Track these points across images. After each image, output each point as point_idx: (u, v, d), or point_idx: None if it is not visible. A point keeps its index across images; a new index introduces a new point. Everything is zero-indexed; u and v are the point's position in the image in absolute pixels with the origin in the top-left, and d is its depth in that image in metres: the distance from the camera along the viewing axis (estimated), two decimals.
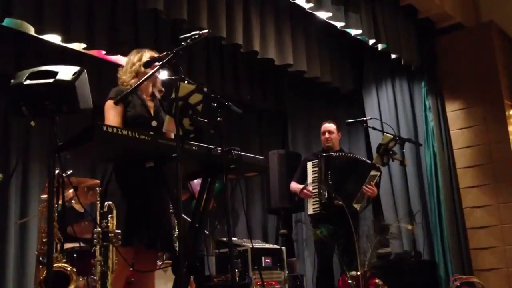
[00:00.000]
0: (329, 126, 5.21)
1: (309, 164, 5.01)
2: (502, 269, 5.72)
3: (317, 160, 4.96)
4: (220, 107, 3.01)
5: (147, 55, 3.38)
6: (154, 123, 3.29)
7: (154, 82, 3.41)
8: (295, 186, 5.14)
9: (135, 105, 3.26)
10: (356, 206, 4.75)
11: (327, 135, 5.17)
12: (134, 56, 3.40)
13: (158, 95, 3.45)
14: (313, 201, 4.86)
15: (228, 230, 3.08)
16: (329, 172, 4.88)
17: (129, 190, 3.10)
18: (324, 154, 5.02)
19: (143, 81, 3.04)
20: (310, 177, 4.96)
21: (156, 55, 3.41)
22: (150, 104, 3.37)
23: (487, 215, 5.90)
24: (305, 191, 4.92)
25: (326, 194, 4.76)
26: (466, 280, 5.25)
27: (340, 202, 4.62)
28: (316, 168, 4.94)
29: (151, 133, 2.90)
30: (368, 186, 4.82)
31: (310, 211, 4.88)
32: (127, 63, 3.41)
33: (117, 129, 2.66)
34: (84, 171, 5.32)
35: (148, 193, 3.12)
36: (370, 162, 5.00)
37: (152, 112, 3.34)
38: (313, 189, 4.88)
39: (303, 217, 6.56)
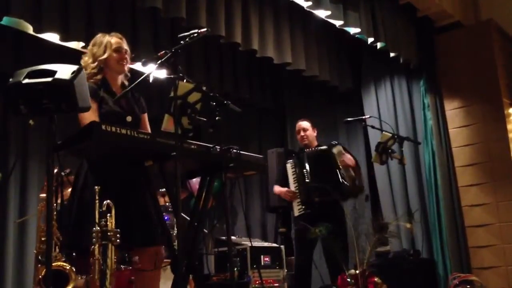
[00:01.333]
0: (303, 123, 5.15)
1: (288, 165, 5.00)
2: (501, 267, 5.72)
3: (293, 160, 4.97)
4: (218, 106, 3.01)
5: (112, 43, 3.19)
6: (129, 119, 3.16)
7: (122, 71, 3.24)
8: (277, 189, 5.09)
9: (107, 101, 3.10)
10: (347, 183, 4.72)
11: (302, 133, 5.11)
12: (97, 48, 3.19)
13: (126, 82, 3.28)
14: (297, 202, 4.83)
15: (227, 228, 3.09)
16: (304, 170, 4.85)
17: (106, 190, 2.93)
18: (300, 152, 5.02)
19: (140, 81, 2.98)
20: (290, 178, 4.94)
21: (121, 40, 3.24)
22: (122, 99, 3.16)
23: (486, 213, 5.91)
24: (288, 193, 4.90)
25: (306, 193, 4.74)
26: (464, 278, 5.25)
27: (317, 199, 4.64)
28: (294, 168, 4.93)
29: (148, 131, 2.85)
30: (341, 160, 4.79)
31: (296, 213, 4.83)
32: (90, 55, 3.19)
33: (116, 128, 2.65)
34: None
35: (119, 190, 3.01)
36: (327, 145, 4.96)
37: (125, 107, 3.18)
38: (294, 189, 4.87)
39: None
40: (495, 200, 5.88)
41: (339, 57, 6.33)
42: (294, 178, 4.90)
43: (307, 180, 4.79)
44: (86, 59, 3.21)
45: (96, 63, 3.16)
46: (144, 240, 3.10)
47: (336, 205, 4.83)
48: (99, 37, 3.26)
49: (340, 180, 4.71)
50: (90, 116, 2.89)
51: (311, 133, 5.12)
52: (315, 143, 5.12)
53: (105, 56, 3.17)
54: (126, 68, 3.26)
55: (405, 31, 6.14)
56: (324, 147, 4.99)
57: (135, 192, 3.10)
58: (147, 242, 3.12)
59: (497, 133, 5.97)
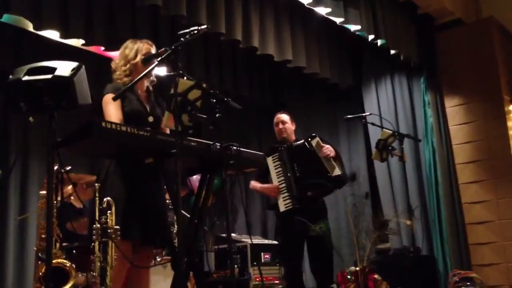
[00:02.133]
0: (282, 116, 5.01)
1: (269, 160, 4.78)
2: (501, 264, 5.73)
3: (277, 154, 4.79)
4: (219, 103, 3.00)
5: (142, 48, 3.35)
6: (150, 119, 3.29)
7: (148, 77, 3.39)
8: (256, 185, 4.89)
9: (131, 100, 3.25)
10: (335, 172, 4.57)
11: (280, 125, 4.96)
12: (130, 51, 3.36)
13: (150, 87, 3.44)
14: (283, 197, 4.66)
15: (227, 226, 3.08)
16: (294, 164, 4.71)
17: (128, 185, 3.09)
18: (285, 146, 4.83)
19: (141, 77, 3.03)
20: (273, 173, 4.75)
21: (151, 47, 3.41)
22: (145, 99, 3.36)
23: (486, 210, 5.91)
24: (272, 189, 4.72)
25: (295, 188, 4.62)
26: (465, 275, 5.26)
27: (310, 193, 4.57)
28: (279, 162, 4.76)
29: (148, 128, 2.89)
30: (322, 152, 4.64)
31: (282, 208, 4.63)
32: (122, 57, 3.37)
33: (116, 125, 2.65)
34: (83, 168, 5.32)
35: (145, 188, 3.12)
36: (304, 139, 4.82)
37: (148, 108, 3.33)
38: (280, 184, 4.69)
39: None
40: (496, 197, 5.89)
41: (339, 55, 6.32)
42: (278, 172, 4.76)
43: (297, 175, 4.67)
44: (117, 61, 3.38)
45: (127, 66, 3.32)
46: (159, 242, 3.24)
47: (319, 202, 4.78)
48: (130, 41, 3.43)
49: (327, 172, 4.62)
50: (115, 112, 3.11)
51: (290, 126, 4.98)
52: (293, 137, 4.98)
53: (136, 60, 3.32)
54: (153, 74, 3.40)
55: (405, 29, 6.13)
56: (302, 140, 4.83)
57: (154, 191, 3.21)
58: (161, 244, 3.27)
59: (498, 130, 5.97)
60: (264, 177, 4.86)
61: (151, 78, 3.43)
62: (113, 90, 3.20)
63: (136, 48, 3.36)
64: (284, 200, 4.65)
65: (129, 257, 3.00)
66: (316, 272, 4.70)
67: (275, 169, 4.76)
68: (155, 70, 3.34)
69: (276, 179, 4.73)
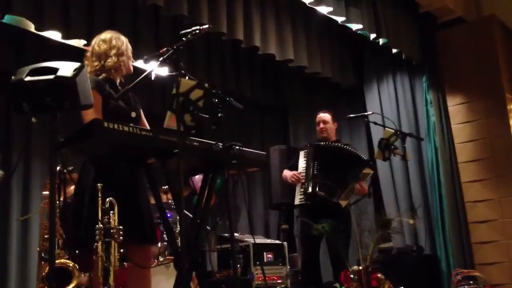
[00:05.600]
0: (324, 115, 5.04)
1: (301, 153, 4.89)
2: (504, 263, 5.72)
3: (307, 149, 4.86)
4: (221, 103, 3.00)
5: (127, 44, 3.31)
6: (133, 114, 3.23)
7: (127, 69, 3.30)
8: (286, 172, 4.97)
9: (113, 96, 3.13)
10: (342, 202, 4.59)
11: (321, 125, 5.00)
12: (121, 43, 3.25)
13: (122, 80, 3.31)
14: (300, 191, 4.73)
15: (230, 225, 3.09)
16: (316, 162, 4.73)
17: (117, 183, 3.05)
18: (314, 143, 4.90)
19: (142, 78, 3.00)
20: (300, 166, 4.83)
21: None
22: (125, 95, 3.22)
23: (489, 209, 5.90)
24: (294, 177, 4.77)
25: (310, 184, 4.65)
26: (467, 274, 5.26)
27: (322, 194, 4.57)
28: (306, 158, 4.82)
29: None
30: (358, 184, 4.65)
31: (297, 201, 4.74)
32: (111, 48, 3.21)
33: (118, 125, 2.65)
34: None
35: (133, 186, 3.10)
36: (365, 158, 4.86)
37: (129, 103, 3.25)
38: (302, 177, 4.75)
39: None
40: (498, 196, 5.88)
41: (341, 54, 6.32)
42: (303, 167, 4.80)
43: (314, 172, 4.70)
44: (102, 50, 3.23)
45: (119, 58, 3.22)
46: (150, 237, 3.17)
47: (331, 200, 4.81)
48: (113, 32, 3.32)
49: (339, 195, 4.60)
50: (92, 114, 2.92)
51: (331, 126, 5.01)
52: (334, 137, 5.03)
53: (129, 54, 3.29)
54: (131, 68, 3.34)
55: (407, 27, 6.13)
56: (362, 156, 4.81)
57: (139, 188, 3.15)
58: (150, 239, 3.17)
59: (500, 128, 5.96)
60: (295, 168, 4.90)
61: (127, 70, 3.30)
62: (95, 85, 3.00)
63: (126, 42, 3.28)
64: (300, 194, 4.73)
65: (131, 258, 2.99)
66: (332, 267, 4.77)
67: (302, 163, 4.83)
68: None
69: (301, 173, 4.80)
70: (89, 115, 2.92)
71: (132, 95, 3.35)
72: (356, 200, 4.77)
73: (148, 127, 3.20)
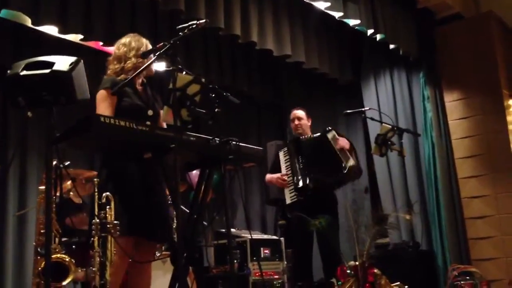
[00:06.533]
0: (298, 112, 5.06)
1: (281, 154, 4.91)
2: (500, 259, 5.74)
3: (286, 148, 4.89)
4: (218, 98, 2.99)
5: (148, 44, 3.34)
6: (150, 113, 3.27)
7: (148, 71, 3.35)
8: (269, 176, 5.00)
9: (130, 94, 3.21)
10: (350, 163, 4.62)
11: (296, 121, 5.02)
12: (141, 44, 3.32)
13: (145, 80, 3.40)
14: (289, 190, 4.74)
15: (226, 221, 3.08)
16: (300, 156, 4.77)
17: (129, 181, 3.09)
18: (292, 139, 4.94)
19: (141, 71, 3.03)
20: (283, 166, 4.85)
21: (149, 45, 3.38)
22: (143, 93, 3.33)
23: (485, 205, 5.92)
24: (279, 180, 4.80)
25: (300, 179, 4.66)
26: (464, 269, 5.27)
27: (310, 185, 4.60)
28: (288, 156, 4.85)
29: (148, 123, 2.88)
30: (337, 144, 4.70)
31: (288, 200, 4.74)
32: (131, 49, 3.30)
33: (115, 120, 2.64)
34: (82, 163, 5.31)
35: (147, 183, 3.12)
36: (321, 132, 4.87)
37: (147, 101, 3.31)
38: (287, 177, 4.77)
39: None
40: (494, 192, 5.89)
41: (338, 49, 6.31)
42: (287, 166, 4.83)
43: (300, 167, 4.73)
44: (122, 53, 3.31)
45: (136, 60, 3.25)
46: (164, 237, 3.23)
47: (329, 194, 4.83)
48: (134, 35, 3.40)
49: (343, 163, 4.66)
50: (105, 110, 3.04)
51: (306, 122, 5.04)
52: (309, 132, 5.04)
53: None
54: (153, 68, 3.37)
55: (404, 23, 6.12)
56: (318, 134, 4.90)
57: (152, 186, 3.18)
58: (165, 239, 3.22)
59: (497, 125, 5.97)
60: (278, 170, 4.93)
61: (148, 71, 3.37)
62: (111, 84, 3.15)
63: (146, 43, 3.35)
64: (290, 192, 4.73)
65: (129, 253, 3.00)
66: (323, 264, 4.77)
67: (285, 163, 4.85)
68: (154, 65, 3.31)
69: (284, 172, 4.82)
70: (101, 111, 3.02)
71: (154, 94, 3.41)
72: (356, 160, 4.79)
73: (165, 126, 3.21)
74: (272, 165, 5.04)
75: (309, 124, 5.10)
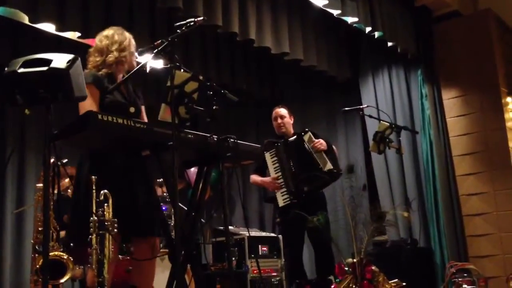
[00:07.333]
0: (280, 110, 5.05)
1: (267, 155, 4.85)
2: (498, 256, 5.75)
3: (274, 150, 4.85)
4: (216, 95, 3.00)
5: (131, 39, 3.30)
6: (132, 109, 3.21)
7: (129, 65, 3.29)
8: (257, 178, 4.99)
9: (112, 91, 3.13)
10: (327, 167, 4.64)
11: (279, 120, 5.01)
12: (123, 38, 3.25)
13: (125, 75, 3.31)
14: (281, 193, 4.73)
15: (224, 218, 3.09)
16: (291, 160, 4.77)
17: (112, 175, 3.03)
18: (282, 142, 4.89)
19: (137, 69, 3.01)
20: (271, 169, 4.82)
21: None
22: (124, 90, 3.25)
23: (483, 202, 5.92)
24: (272, 184, 4.79)
25: (292, 184, 4.68)
26: (462, 267, 5.27)
27: (305, 188, 4.62)
28: (276, 158, 4.83)
29: (145, 121, 2.86)
30: (313, 146, 4.70)
31: (281, 203, 4.73)
32: (112, 43, 3.22)
33: (112, 118, 2.64)
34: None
35: (129, 178, 3.08)
36: (298, 133, 4.88)
37: (128, 98, 3.24)
38: (279, 180, 4.76)
39: None
40: (493, 189, 5.90)
41: (337, 47, 6.30)
42: (276, 168, 4.81)
43: (293, 170, 4.73)
44: (104, 45, 3.25)
45: (122, 53, 3.22)
46: (147, 230, 3.14)
47: (320, 194, 4.86)
48: (117, 28, 3.32)
49: (320, 166, 4.67)
50: (90, 107, 2.94)
51: (288, 120, 5.03)
52: (292, 130, 5.04)
53: (132, 49, 3.27)
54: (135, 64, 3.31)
55: (403, 21, 6.12)
56: (294, 137, 4.89)
57: (135, 181, 3.12)
58: (148, 232, 3.15)
59: (495, 122, 5.98)
60: (263, 170, 4.93)
61: (129, 66, 3.30)
62: (93, 80, 3.06)
63: (130, 38, 3.28)
64: (282, 195, 4.73)
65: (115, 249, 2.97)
66: (317, 262, 4.77)
67: (273, 164, 4.83)
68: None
69: (273, 175, 4.81)
70: (86, 108, 2.91)
71: (135, 90, 3.35)
72: (334, 162, 4.78)
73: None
74: (257, 165, 4.97)
75: (292, 122, 5.09)
